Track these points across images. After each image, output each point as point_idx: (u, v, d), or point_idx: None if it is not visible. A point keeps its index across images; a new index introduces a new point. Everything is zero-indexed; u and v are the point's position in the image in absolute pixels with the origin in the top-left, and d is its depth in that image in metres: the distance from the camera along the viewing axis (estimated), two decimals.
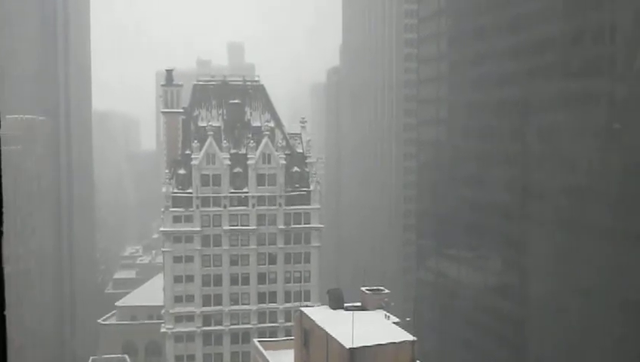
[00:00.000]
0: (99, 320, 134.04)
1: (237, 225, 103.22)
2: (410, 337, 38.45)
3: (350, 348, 36.28)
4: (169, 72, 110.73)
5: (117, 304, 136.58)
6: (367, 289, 46.21)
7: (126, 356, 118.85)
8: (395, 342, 37.61)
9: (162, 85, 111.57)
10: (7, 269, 6.11)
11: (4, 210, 5.88)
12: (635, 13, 57.81)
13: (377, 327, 40.26)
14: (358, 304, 45.30)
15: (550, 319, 68.26)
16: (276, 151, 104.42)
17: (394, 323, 41.81)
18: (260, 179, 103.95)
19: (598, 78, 61.20)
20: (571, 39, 64.50)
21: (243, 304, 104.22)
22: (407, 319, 45.87)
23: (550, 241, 67.85)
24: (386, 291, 46.56)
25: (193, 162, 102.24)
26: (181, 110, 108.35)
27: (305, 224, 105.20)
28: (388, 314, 43.37)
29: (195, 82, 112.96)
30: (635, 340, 58.24)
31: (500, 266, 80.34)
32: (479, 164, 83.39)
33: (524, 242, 73.25)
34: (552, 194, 67.81)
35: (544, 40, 68.89)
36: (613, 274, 59.52)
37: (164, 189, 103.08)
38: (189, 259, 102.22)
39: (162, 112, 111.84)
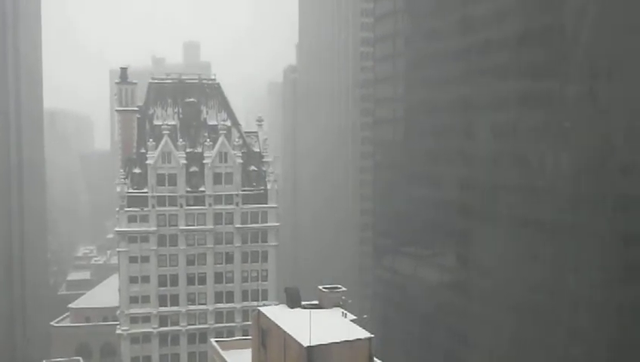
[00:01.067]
0: (52, 323, 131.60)
1: (193, 225, 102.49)
2: (367, 334, 38.63)
3: (307, 347, 36.31)
4: (123, 69, 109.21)
5: (70, 306, 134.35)
6: (325, 288, 46.28)
7: (80, 358, 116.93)
8: (352, 340, 37.74)
9: (117, 83, 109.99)
10: None
11: None
12: (582, 13, 59.15)
13: (335, 325, 40.36)
14: (316, 302, 45.35)
15: (504, 314, 69.44)
16: (233, 149, 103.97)
17: (351, 320, 41.96)
18: (217, 178, 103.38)
19: (548, 78, 62.43)
20: (522, 39, 65.65)
21: (200, 304, 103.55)
22: (365, 316, 46.14)
23: (504, 238, 69.02)
24: (343, 289, 46.70)
25: (148, 161, 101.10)
26: (136, 108, 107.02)
27: (262, 223, 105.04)
28: (345, 312, 43.53)
29: (151, 80, 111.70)
30: (584, 334, 59.70)
31: (454, 263, 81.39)
32: (434, 163, 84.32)
33: (478, 239, 74.35)
34: (506, 192, 68.96)
35: (497, 40, 69.98)
36: (563, 270, 60.86)
37: (118, 189, 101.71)
38: (145, 259, 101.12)
39: (117, 111, 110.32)
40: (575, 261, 59.69)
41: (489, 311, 72.24)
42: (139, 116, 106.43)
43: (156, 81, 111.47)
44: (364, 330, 39.65)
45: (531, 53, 64.74)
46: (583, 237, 58.65)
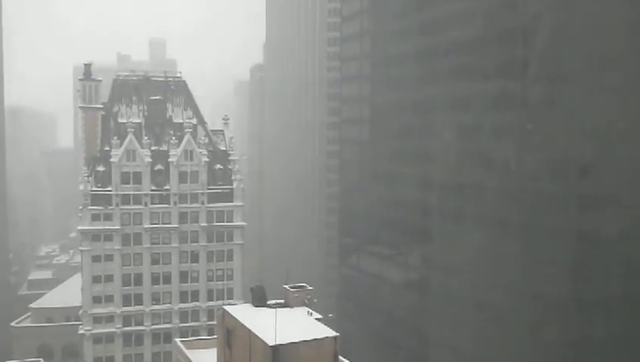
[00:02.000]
0: (12, 323, 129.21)
1: (158, 223, 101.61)
2: (332, 333, 38.77)
3: (273, 346, 36.33)
4: (87, 66, 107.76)
5: (31, 306, 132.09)
6: (291, 287, 46.30)
7: (41, 359, 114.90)
8: (317, 339, 37.84)
9: (80, 80, 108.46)
10: None
11: None
12: (542, 16, 60.15)
13: (300, 324, 40.42)
14: (282, 301, 45.34)
15: (467, 313, 70.26)
16: (199, 148, 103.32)
17: (317, 319, 42.06)
18: (182, 177, 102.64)
19: (511, 79, 63.35)
20: (485, 41, 66.52)
21: (164, 303, 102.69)
22: (330, 315, 46.31)
23: (468, 238, 69.85)
24: (309, 288, 46.77)
25: (113, 159, 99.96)
26: (100, 106, 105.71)
27: (228, 221, 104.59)
28: (311, 310, 43.61)
29: (115, 77, 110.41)
30: (547, 332, 60.72)
31: (419, 262, 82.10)
32: (400, 162, 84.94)
33: (443, 238, 75.10)
34: (470, 192, 69.79)
35: (460, 41, 70.81)
36: (526, 269, 61.83)
37: (82, 187, 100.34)
38: (109, 258, 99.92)
39: (80, 108, 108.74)
40: (538, 260, 60.68)
41: (453, 310, 73.02)
42: (103, 113, 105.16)
43: (121, 77, 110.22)
44: (329, 329, 39.80)
45: (494, 54, 65.64)
46: (545, 236, 59.66)
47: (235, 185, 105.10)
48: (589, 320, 57.86)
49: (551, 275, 59.73)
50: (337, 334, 38.89)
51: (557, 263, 58.91)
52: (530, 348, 62.00)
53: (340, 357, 40.34)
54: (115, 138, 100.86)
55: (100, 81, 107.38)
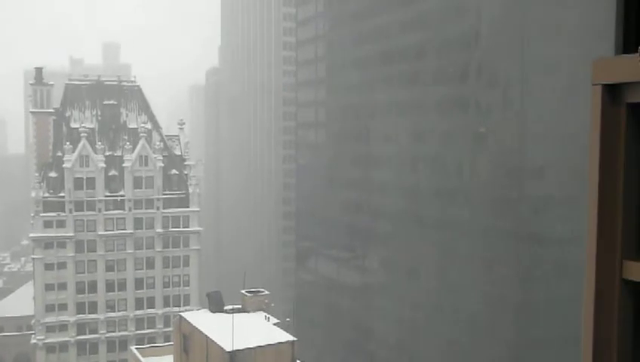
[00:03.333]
0: None
1: (113, 230, 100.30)
2: (290, 337, 38.97)
3: (230, 351, 36.31)
4: (38, 70, 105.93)
5: None
6: (248, 292, 46.37)
7: None
8: (275, 343, 38.01)
9: (31, 84, 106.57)
10: None
11: None
12: (495, 20, 61.43)
13: (258, 329, 40.51)
14: (239, 306, 45.38)
15: (425, 314, 71.13)
16: (153, 153, 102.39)
17: (274, 324, 42.23)
18: (137, 182, 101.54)
19: (464, 83, 64.49)
20: (440, 45, 67.60)
21: (120, 310, 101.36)
22: (287, 320, 46.43)
23: (424, 240, 70.73)
24: (266, 293, 46.92)
25: (65, 165, 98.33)
26: (52, 110, 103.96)
27: (184, 227, 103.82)
28: (268, 315, 43.74)
29: (67, 82, 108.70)
30: (501, 330, 61.87)
31: (376, 265, 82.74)
32: (355, 166, 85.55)
33: (399, 241, 75.86)
34: (426, 195, 70.70)
35: (415, 46, 71.78)
36: (480, 269, 62.92)
37: (33, 193, 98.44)
38: (62, 265, 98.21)
39: (31, 112, 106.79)
40: (490, 260, 61.82)
41: (410, 313, 73.81)
42: (55, 118, 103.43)
43: (73, 82, 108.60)
44: (287, 334, 39.96)
45: (447, 59, 66.71)
46: (497, 237, 60.83)
47: (190, 190, 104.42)
48: (543, 321, 59.13)
49: (504, 276, 60.91)
50: (295, 339, 39.08)
51: (509, 264, 60.11)
52: (488, 349, 63.05)
53: (298, 361, 40.49)
54: (68, 143, 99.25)
55: (52, 85, 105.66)
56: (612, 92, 2.23)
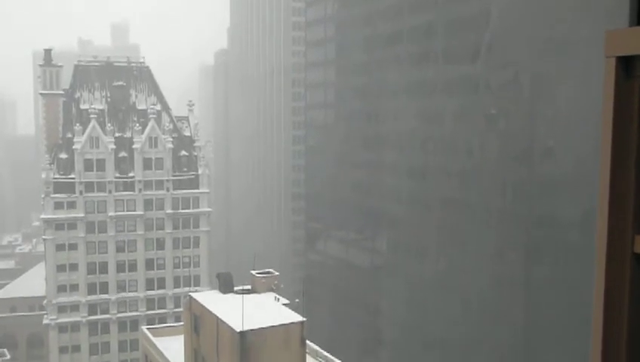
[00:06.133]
0: None
1: (123, 211, 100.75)
2: (299, 318, 39.13)
3: (240, 332, 36.52)
4: (47, 51, 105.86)
5: None
6: (257, 273, 46.54)
7: (5, 350, 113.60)
8: (284, 324, 38.19)
9: (40, 65, 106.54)
10: None
11: None
12: (508, 1, 60.85)
13: (267, 310, 40.71)
14: (249, 287, 45.57)
15: (435, 296, 71.25)
16: (163, 134, 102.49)
17: (284, 304, 42.38)
18: (147, 164, 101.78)
19: (474, 64, 64.02)
20: (450, 25, 67.05)
21: (130, 291, 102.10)
22: (297, 300, 46.59)
23: (434, 221, 70.67)
24: (276, 274, 47.06)
25: (75, 146, 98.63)
26: (61, 92, 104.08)
27: (193, 208, 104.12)
28: (278, 296, 43.90)
29: (76, 63, 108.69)
30: (510, 311, 61.92)
31: (385, 246, 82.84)
32: (365, 147, 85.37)
33: (409, 223, 75.85)
34: (435, 176, 70.55)
35: (425, 26, 71.22)
36: (490, 250, 62.87)
37: (44, 175, 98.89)
38: (73, 246, 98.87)
39: (41, 94, 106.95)
40: (499, 242, 61.74)
41: (418, 293, 73.95)
42: (64, 100, 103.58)
43: (82, 63, 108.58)
44: (296, 314, 40.12)
45: (459, 38, 66.19)
46: (507, 219, 60.68)
47: (200, 171, 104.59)
48: (552, 302, 59.11)
49: (513, 258, 60.85)
50: (304, 319, 39.23)
51: (518, 246, 60.01)
52: (494, 330, 63.18)
53: (307, 342, 40.72)
54: (78, 125, 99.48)
55: (61, 66, 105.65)
56: (626, 64, 2.17)
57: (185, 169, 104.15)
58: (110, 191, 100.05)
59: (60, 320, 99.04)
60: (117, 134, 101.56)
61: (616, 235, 2.00)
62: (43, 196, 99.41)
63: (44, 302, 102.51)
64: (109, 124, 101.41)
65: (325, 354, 48.63)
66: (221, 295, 44.51)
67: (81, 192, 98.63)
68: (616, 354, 1.99)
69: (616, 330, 1.97)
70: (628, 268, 1.98)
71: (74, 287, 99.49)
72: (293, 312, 40.62)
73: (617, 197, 2.02)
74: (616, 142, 2.10)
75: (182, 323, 50.54)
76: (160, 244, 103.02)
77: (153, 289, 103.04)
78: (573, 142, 56.47)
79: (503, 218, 61.12)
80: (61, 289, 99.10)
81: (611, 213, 2.01)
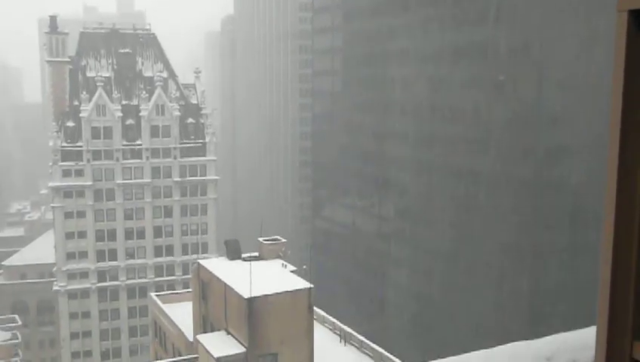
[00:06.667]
0: None
1: (131, 179, 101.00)
2: (306, 284, 39.32)
3: (248, 298, 36.76)
4: (53, 18, 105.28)
5: (4, 263, 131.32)
6: (265, 240, 46.68)
7: (16, 316, 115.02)
8: (292, 290, 38.40)
9: (46, 33, 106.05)
10: None
11: None
12: None
13: (275, 276, 40.91)
14: (256, 254, 45.74)
15: (442, 263, 71.50)
16: (170, 102, 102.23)
17: (291, 271, 42.57)
18: (154, 131, 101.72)
19: (483, 30, 63.29)
20: None
21: (139, 258, 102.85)
22: (304, 267, 46.78)
23: (440, 188, 70.59)
24: (283, 240, 47.18)
25: (82, 114, 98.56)
26: (67, 59, 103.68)
27: (201, 176, 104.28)
28: (285, 263, 44.09)
29: (82, 30, 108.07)
30: (510, 278, 62.12)
31: (392, 213, 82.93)
32: (372, 114, 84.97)
33: (416, 189, 75.82)
34: (441, 143, 70.27)
35: None
36: (498, 217, 62.86)
37: (51, 143, 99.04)
38: (81, 214, 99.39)
39: (47, 62, 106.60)
40: (507, 208, 61.68)
41: (424, 260, 74.21)
42: (71, 67, 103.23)
43: (88, 30, 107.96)
44: (303, 281, 40.31)
45: (466, 5, 65.35)
46: (514, 185, 60.53)
47: (207, 139, 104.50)
48: (553, 268, 59.25)
49: (521, 224, 60.82)
50: (311, 285, 39.43)
51: (527, 212, 59.95)
52: (499, 296, 63.46)
53: (315, 308, 41.00)
54: (84, 92, 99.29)
55: (67, 34, 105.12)
56: (637, 18, 2.09)
57: (192, 136, 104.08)
58: (118, 159, 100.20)
59: (69, 287, 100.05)
60: (124, 102, 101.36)
61: (626, 191, 1.98)
62: (51, 164, 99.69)
63: (54, 269, 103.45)
64: (116, 92, 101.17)
65: (332, 320, 49.01)
66: (229, 262, 44.73)
67: (88, 160, 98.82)
68: (623, 313, 1.98)
69: (624, 288, 1.95)
70: (637, 212, 1.95)
71: (83, 254, 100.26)
72: (300, 279, 40.82)
73: (627, 156, 2.00)
74: (627, 98, 2.09)
75: (190, 289, 50.94)
76: (168, 212, 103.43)
77: (161, 257, 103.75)
78: (582, 108, 56.02)
79: (511, 183, 60.95)
80: (70, 256, 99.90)
81: (620, 172, 1.99)
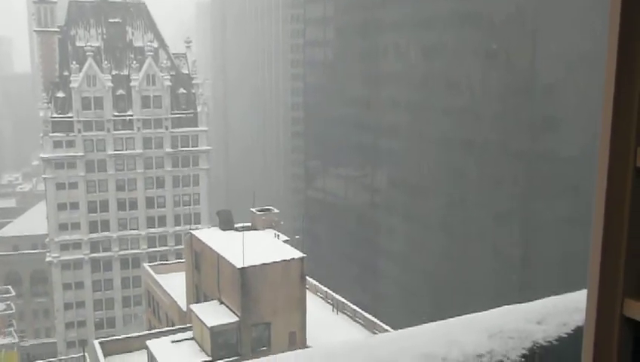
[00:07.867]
0: None
1: (122, 150, 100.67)
2: (299, 254, 39.55)
3: (241, 268, 36.97)
4: None
5: None
6: (257, 210, 46.81)
7: (9, 287, 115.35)
8: (284, 260, 38.61)
9: (34, 2, 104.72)
10: None
11: None
12: None
13: (267, 246, 41.09)
14: (249, 224, 45.89)
15: (433, 232, 71.92)
16: (161, 72, 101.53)
17: (284, 241, 42.78)
18: (145, 102, 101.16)
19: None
20: None
21: (132, 229, 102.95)
22: (297, 237, 47.04)
23: (434, 158, 70.73)
24: (276, 211, 47.33)
25: (72, 84, 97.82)
26: (57, 29, 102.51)
27: (192, 146, 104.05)
28: (278, 233, 44.27)
29: None
30: (504, 246, 62.65)
31: (385, 183, 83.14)
32: (365, 84, 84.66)
33: (408, 159, 75.91)
34: (434, 113, 70.21)
35: None
36: (488, 186, 63.15)
37: (42, 113, 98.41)
38: (73, 185, 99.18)
39: (35, 31, 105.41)
40: (498, 178, 61.95)
41: (417, 230, 74.62)
42: (60, 37, 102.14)
43: (77, 0, 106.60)
44: (296, 250, 40.53)
45: None
46: (506, 155, 60.71)
47: (199, 109, 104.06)
48: (550, 238, 59.73)
49: (513, 194, 61.16)
50: (304, 255, 39.66)
51: (518, 182, 60.24)
52: (492, 266, 64.02)
53: (307, 278, 41.28)
54: (74, 62, 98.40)
55: (55, 3, 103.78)
56: None
57: (183, 107, 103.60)
58: (109, 130, 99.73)
59: (62, 258, 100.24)
60: (114, 72, 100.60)
61: (618, 150, 1.99)
62: (41, 135, 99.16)
63: (47, 240, 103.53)
64: (106, 62, 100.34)
65: (325, 289, 49.39)
66: (221, 232, 44.86)
67: (79, 131, 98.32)
68: (615, 271, 1.99)
69: (616, 245, 1.96)
70: (629, 182, 1.96)
71: (75, 226, 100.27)
72: (293, 249, 41.03)
73: (620, 126, 2.00)
74: (621, 65, 2.08)
75: (183, 260, 51.14)
76: (160, 183, 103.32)
77: (154, 227, 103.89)
78: (575, 78, 55.98)
79: (503, 154, 61.12)
80: (62, 227, 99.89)
81: (614, 131, 1.99)
